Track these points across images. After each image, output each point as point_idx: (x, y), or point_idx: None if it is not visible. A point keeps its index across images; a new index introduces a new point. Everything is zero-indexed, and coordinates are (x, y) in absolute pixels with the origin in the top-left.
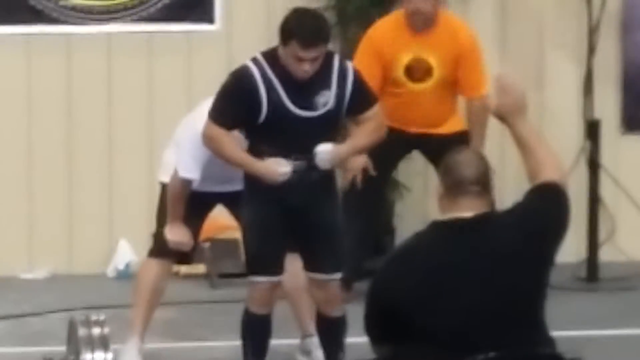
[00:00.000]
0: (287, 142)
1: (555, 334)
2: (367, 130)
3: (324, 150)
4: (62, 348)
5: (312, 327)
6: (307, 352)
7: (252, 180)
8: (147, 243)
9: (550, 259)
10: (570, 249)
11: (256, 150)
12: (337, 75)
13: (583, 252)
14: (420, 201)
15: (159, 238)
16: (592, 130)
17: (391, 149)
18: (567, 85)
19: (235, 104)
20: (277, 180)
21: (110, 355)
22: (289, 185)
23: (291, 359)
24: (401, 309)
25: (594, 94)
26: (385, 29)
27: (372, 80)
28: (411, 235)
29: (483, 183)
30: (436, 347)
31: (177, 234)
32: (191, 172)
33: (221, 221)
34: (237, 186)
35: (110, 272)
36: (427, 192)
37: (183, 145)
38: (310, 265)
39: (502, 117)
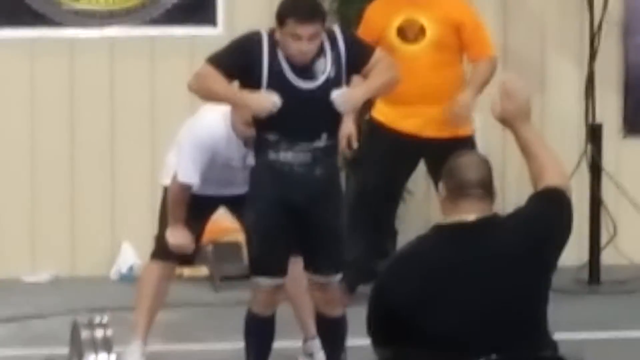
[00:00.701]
0: (291, 124)
1: (557, 336)
2: (379, 70)
3: (339, 93)
4: (65, 350)
5: (314, 329)
6: (309, 354)
7: (256, 181)
8: (150, 246)
9: (553, 264)
10: (572, 252)
11: (262, 142)
12: (329, 40)
13: (585, 255)
14: (422, 205)
15: (161, 241)
16: (594, 133)
17: (398, 158)
18: (568, 89)
19: (236, 54)
20: (266, 109)
21: (113, 357)
22: (293, 181)
23: None
24: (403, 311)
25: (596, 97)
26: (377, 4)
27: None
28: (414, 238)
29: (486, 186)
30: (438, 350)
31: (178, 237)
32: (190, 176)
33: (224, 224)
34: (239, 190)
35: (113, 274)
36: (430, 195)
37: (183, 149)
38: (311, 266)
39: (506, 122)
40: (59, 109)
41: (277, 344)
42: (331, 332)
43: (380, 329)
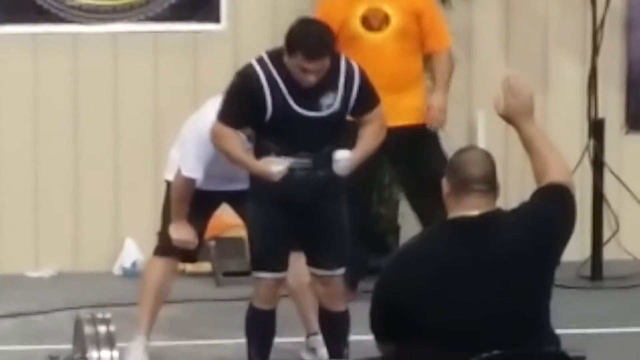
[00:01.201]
0: (293, 140)
1: (559, 331)
2: (373, 133)
3: (344, 158)
4: (68, 346)
5: (316, 325)
6: (312, 349)
7: (258, 179)
8: (153, 242)
9: (556, 259)
10: (575, 248)
11: (263, 147)
12: (344, 78)
13: (587, 250)
14: None
15: (164, 237)
16: (597, 129)
17: None
18: (571, 85)
19: (240, 103)
20: (273, 179)
21: (116, 353)
22: (295, 184)
23: (296, 357)
24: (406, 306)
25: (598, 93)
26: None
27: None
28: (417, 234)
29: (489, 181)
30: (440, 345)
31: (181, 233)
32: (194, 171)
33: (226, 220)
34: (242, 185)
35: (117, 270)
36: None
37: (186, 144)
38: (314, 260)
39: (509, 119)
40: (63, 104)
41: (280, 340)
42: (334, 327)
43: (383, 324)
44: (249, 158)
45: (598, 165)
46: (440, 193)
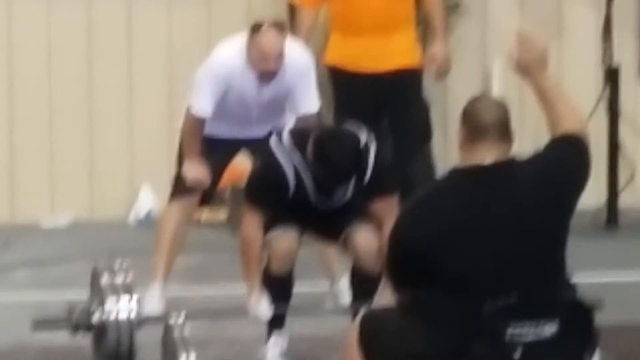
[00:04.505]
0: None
1: (575, 279)
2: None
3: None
4: (85, 295)
5: (339, 273)
6: (335, 297)
7: None
8: (168, 190)
9: (571, 207)
10: (590, 195)
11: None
12: (357, 171)
13: (603, 197)
14: (439, 151)
15: (178, 182)
16: (611, 76)
17: (364, 101)
18: (586, 32)
19: (266, 194)
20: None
21: (133, 302)
22: None
23: (320, 305)
24: (421, 254)
25: (613, 40)
26: None
27: None
28: (430, 182)
29: (503, 129)
30: (456, 292)
31: (195, 171)
32: (204, 108)
33: (243, 168)
34: (258, 132)
35: (132, 219)
36: (447, 141)
37: (197, 81)
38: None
39: (523, 72)
40: (77, 54)
41: (304, 289)
42: (364, 287)
43: (399, 271)
44: (189, 153)
45: (613, 112)
46: (422, 140)
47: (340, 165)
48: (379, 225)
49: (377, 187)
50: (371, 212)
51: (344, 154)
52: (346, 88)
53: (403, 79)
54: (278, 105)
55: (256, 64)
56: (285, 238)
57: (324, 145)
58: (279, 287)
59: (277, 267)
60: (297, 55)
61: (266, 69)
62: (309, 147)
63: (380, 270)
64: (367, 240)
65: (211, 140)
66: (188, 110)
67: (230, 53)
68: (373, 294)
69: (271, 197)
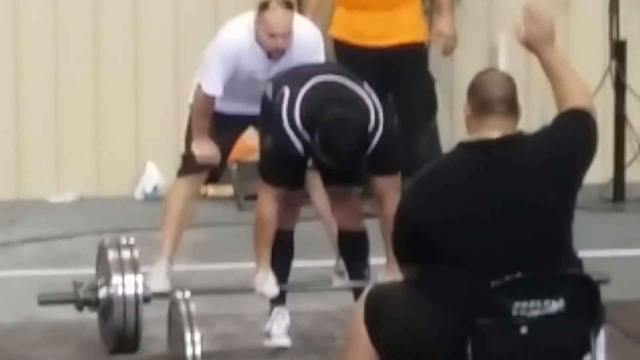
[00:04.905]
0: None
1: (581, 254)
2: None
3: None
4: (91, 270)
5: None
6: (341, 272)
7: None
8: (174, 166)
9: (577, 182)
10: (597, 170)
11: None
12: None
13: (609, 172)
14: (446, 125)
15: (187, 159)
16: (618, 50)
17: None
18: (592, 6)
19: (283, 172)
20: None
21: (140, 277)
22: None
23: (326, 279)
24: (428, 230)
25: (620, 13)
26: None
27: None
28: (438, 156)
29: (510, 103)
30: (463, 268)
31: (204, 148)
32: (214, 87)
33: (249, 143)
34: None
35: (138, 194)
36: (453, 116)
37: (207, 60)
38: (329, 177)
39: (530, 46)
40: (83, 29)
41: (309, 263)
42: (353, 247)
43: (406, 247)
44: (199, 131)
45: (620, 86)
46: (427, 114)
47: (346, 156)
48: (380, 201)
49: (380, 164)
50: (372, 188)
51: (349, 145)
52: (351, 62)
53: (408, 53)
54: None
55: (264, 41)
56: (291, 195)
57: (329, 135)
58: (282, 242)
59: (282, 224)
60: (305, 32)
61: (274, 47)
62: (316, 135)
63: (364, 228)
64: (348, 202)
65: (221, 116)
66: (198, 88)
67: (238, 31)
68: (364, 257)
69: (286, 173)
